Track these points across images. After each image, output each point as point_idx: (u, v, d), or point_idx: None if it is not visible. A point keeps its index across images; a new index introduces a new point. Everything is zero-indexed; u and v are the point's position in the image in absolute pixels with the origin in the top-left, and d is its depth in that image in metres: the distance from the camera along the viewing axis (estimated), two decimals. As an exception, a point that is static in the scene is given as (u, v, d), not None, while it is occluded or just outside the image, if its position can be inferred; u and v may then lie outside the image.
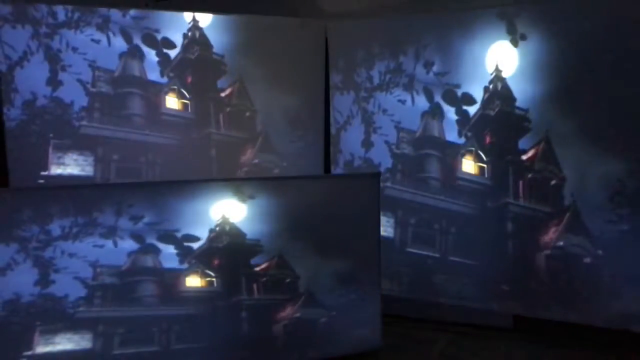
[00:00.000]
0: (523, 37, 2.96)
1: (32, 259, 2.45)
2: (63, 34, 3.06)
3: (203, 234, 2.67)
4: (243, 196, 2.62)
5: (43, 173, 3.11)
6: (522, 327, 3.23)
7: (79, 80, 3.11)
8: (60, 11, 3.04)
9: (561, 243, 2.99)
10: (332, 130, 3.61)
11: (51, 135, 3.11)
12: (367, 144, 3.49)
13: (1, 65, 2.99)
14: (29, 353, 2.47)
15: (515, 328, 3.25)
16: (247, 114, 3.45)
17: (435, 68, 3.21)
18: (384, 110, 3.40)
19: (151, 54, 3.23)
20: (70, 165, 3.16)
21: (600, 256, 2.90)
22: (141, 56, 3.21)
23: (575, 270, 2.97)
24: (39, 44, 3.03)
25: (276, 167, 3.48)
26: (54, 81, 3.07)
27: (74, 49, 3.09)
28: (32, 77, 3.04)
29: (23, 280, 2.45)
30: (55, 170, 3.13)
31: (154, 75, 3.25)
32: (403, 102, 3.33)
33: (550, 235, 3.03)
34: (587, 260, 2.93)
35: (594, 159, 2.87)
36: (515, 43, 2.98)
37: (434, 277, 3.34)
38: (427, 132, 3.28)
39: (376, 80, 3.40)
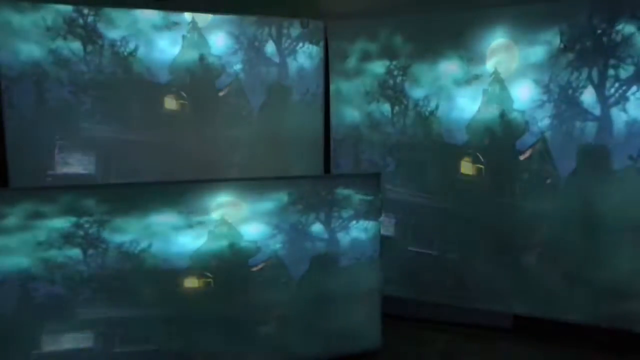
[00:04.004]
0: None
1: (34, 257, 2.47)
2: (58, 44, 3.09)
3: (202, 234, 2.68)
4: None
5: (50, 172, 3.12)
6: (522, 327, 3.23)
7: (74, 89, 3.13)
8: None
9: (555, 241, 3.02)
10: (332, 144, 3.62)
11: (57, 137, 3.13)
12: (358, 163, 3.52)
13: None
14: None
15: (515, 328, 3.26)
16: (244, 113, 3.45)
17: (435, 70, 3.24)
18: (382, 116, 3.42)
19: (150, 57, 3.24)
20: (74, 165, 3.16)
21: (593, 254, 2.93)
22: (139, 59, 3.22)
23: (571, 269, 2.99)
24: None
25: (274, 167, 3.47)
26: (48, 90, 3.09)
27: (73, 55, 3.12)
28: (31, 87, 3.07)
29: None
30: (59, 169, 3.14)
31: (152, 76, 3.25)
32: (397, 109, 3.36)
33: (543, 232, 3.06)
34: (581, 257, 2.96)
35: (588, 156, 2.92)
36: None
37: (434, 276, 3.34)
38: (426, 134, 3.30)
39: (374, 87, 3.42)
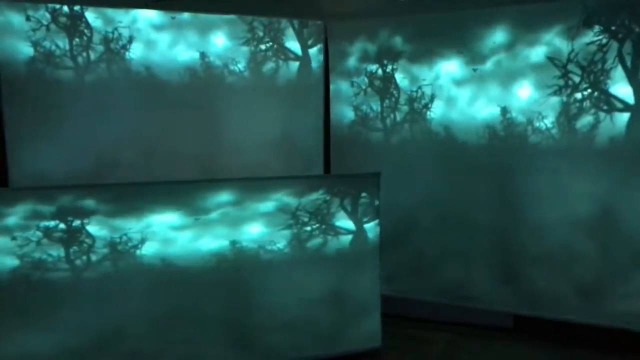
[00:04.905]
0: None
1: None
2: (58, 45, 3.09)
3: (204, 233, 2.68)
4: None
5: (44, 170, 3.12)
6: (522, 327, 3.23)
7: (73, 89, 3.13)
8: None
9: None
10: (332, 144, 3.62)
11: (57, 136, 3.13)
12: (358, 162, 3.46)
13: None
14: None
15: (515, 328, 3.26)
16: (244, 113, 3.45)
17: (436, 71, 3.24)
18: (382, 115, 3.42)
19: (151, 56, 3.24)
20: (71, 162, 3.16)
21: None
22: (140, 58, 3.22)
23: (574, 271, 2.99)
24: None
25: (275, 166, 3.47)
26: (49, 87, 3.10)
27: (73, 55, 3.12)
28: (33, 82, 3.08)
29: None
30: (57, 167, 3.14)
31: (152, 75, 3.25)
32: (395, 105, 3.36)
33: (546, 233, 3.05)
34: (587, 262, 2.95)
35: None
36: None
37: (434, 276, 3.35)
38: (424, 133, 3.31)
39: (373, 86, 3.42)
